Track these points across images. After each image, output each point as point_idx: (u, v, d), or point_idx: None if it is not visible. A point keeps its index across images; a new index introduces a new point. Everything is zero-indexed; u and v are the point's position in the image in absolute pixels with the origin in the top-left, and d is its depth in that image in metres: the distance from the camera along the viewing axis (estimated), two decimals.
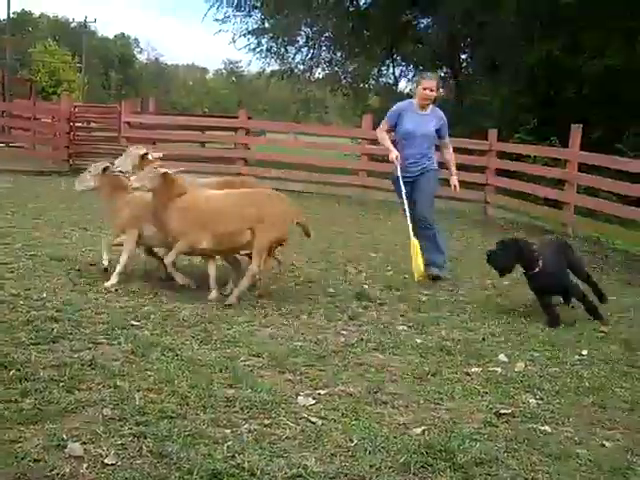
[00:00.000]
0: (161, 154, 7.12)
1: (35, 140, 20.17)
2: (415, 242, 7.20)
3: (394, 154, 7.37)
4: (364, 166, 15.51)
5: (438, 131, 7.50)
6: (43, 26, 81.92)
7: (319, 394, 4.14)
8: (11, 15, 38.40)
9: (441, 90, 7.34)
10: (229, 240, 6.06)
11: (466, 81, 24.46)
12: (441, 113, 7.54)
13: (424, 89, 7.36)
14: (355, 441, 3.54)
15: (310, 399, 4.05)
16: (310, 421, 3.76)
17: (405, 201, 7.37)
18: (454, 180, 7.65)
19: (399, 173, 7.37)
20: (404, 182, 7.35)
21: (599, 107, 16.49)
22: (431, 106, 7.49)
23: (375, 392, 4.24)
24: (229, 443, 3.41)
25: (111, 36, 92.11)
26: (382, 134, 7.64)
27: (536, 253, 6.14)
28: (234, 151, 17.25)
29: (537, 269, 6.08)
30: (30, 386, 3.92)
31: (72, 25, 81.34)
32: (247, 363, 4.60)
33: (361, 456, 3.39)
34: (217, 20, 26.55)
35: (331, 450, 3.45)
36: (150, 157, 6.81)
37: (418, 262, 7.16)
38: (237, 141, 17.19)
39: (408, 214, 7.37)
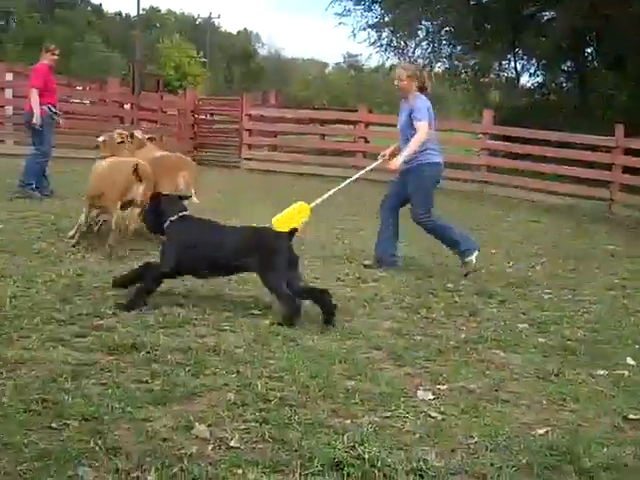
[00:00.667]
0: (147, 135, 8.46)
1: (162, 132, 20.82)
2: (300, 206, 6.74)
3: (382, 152, 7.45)
4: (484, 162, 15.33)
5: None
6: (170, 22, 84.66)
7: (439, 389, 4.11)
8: (140, 12, 39.76)
9: (411, 78, 6.54)
10: (100, 200, 7.00)
11: (591, 75, 23.63)
12: (415, 99, 6.92)
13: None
14: (476, 438, 3.49)
15: (430, 394, 4.02)
16: (430, 416, 3.74)
17: (354, 178, 7.43)
18: (395, 159, 6.90)
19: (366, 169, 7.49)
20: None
21: None
22: (413, 95, 6.94)
23: (496, 390, 4.17)
24: (349, 433, 3.42)
25: (234, 31, 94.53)
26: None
27: (166, 214, 5.40)
28: (354, 144, 17.34)
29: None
30: (159, 368, 4.08)
31: (198, 21, 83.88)
32: (367, 355, 4.62)
33: (482, 454, 3.34)
34: (337, 14, 26.69)
35: (451, 446, 3.41)
36: (139, 137, 8.06)
37: (283, 218, 6.54)
38: (357, 134, 17.28)
39: (340, 186, 7.28)
